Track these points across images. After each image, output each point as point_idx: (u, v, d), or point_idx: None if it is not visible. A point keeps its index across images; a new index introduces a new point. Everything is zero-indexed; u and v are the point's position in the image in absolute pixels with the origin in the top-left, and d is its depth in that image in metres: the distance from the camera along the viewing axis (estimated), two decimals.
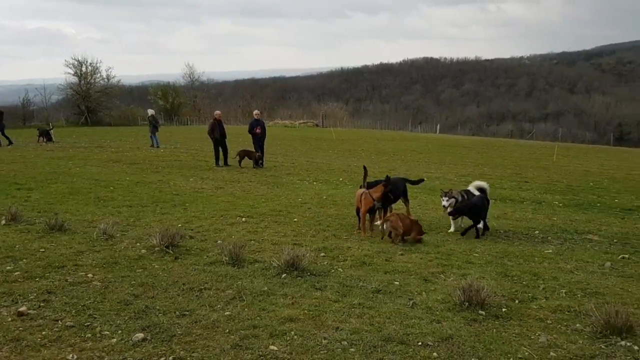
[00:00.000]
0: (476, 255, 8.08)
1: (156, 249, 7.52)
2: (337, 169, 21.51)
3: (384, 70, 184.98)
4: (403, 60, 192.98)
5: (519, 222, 11.14)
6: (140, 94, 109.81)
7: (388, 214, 9.36)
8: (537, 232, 10.15)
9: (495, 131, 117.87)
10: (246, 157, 20.66)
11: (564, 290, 6.40)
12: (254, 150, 20.77)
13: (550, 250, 8.58)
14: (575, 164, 29.86)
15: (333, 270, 6.91)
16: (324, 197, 13.87)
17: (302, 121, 68.20)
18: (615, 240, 9.59)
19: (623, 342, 4.77)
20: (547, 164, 28.80)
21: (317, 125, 61.32)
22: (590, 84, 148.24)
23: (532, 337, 4.87)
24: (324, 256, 7.66)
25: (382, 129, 78.63)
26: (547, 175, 22.64)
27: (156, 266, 6.86)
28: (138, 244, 7.96)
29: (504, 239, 9.47)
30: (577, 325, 5.21)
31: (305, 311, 5.36)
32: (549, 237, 9.71)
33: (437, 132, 70.44)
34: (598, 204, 14.69)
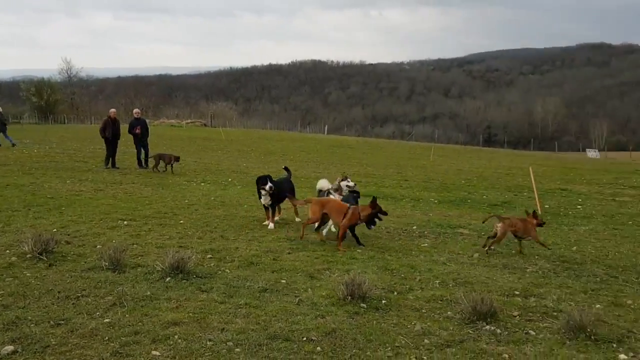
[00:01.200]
0: (359, 251, 8.41)
1: (28, 255, 7.00)
2: (226, 169, 21.29)
3: (273, 71, 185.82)
4: (292, 62, 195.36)
5: (399, 219, 11.74)
6: (11, 90, 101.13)
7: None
8: (414, 227, 10.78)
9: (379, 132, 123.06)
10: (162, 161, 19.18)
11: (437, 281, 6.87)
12: (170, 154, 19.48)
13: (426, 244, 9.15)
14: (450, 163, 32.05)
15: (220, 272, 6.85)
16: (212, 198, 13.68)
17: (189, 121, 66.46)
18: (483, 233, 10.39)
19: (488, 327, 5.22)
20: (424, 163, 30.63)
21: (205, 125, 60.13)
22: (462, 89, 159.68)
23: (409, 326, 5.18)
24: (210, 258, 7.57)
25: (272, 129, 78.97)
26: (425, 174, 24.07)
27: (28, 274, 6.38)
28: (8, 251, 7.36)
29: (386, 235, 9.95)
30: (449, 312, 5.62)
31: (190, 314, 5.28)
32: (426, 232, 10.35)
33: (325, 132, 71.96)
34: (469, 200, 15.91)
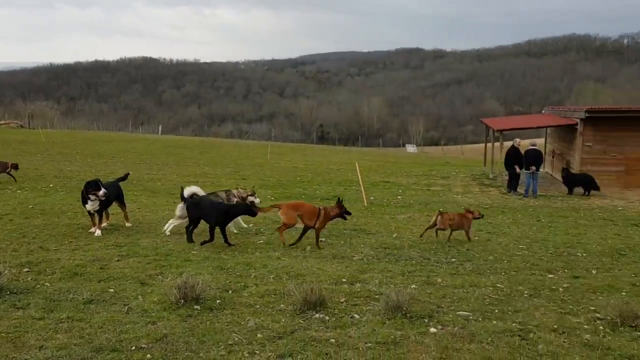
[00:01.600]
0: (194, 252, 8.29)
1: None
2: (47, 174, 19.42)
3: (100, 68, 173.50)
4: (121, 59, 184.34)
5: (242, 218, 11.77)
6: None
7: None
8: (251, 225, 10.90)
9: (216, 132, 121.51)
10: None
11: (272, 276, 7.05)
12: (4, 161, 17.02)
13: (262, 241, 9.34)
14: (286, 160, 32.89)
15: (39, 286, 6.30)
16: (30, 206, 12.43)
17: (2, 122, 59.27)
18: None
19: (317, 315, 5.50)
20: (262, 161, 31.01)
21: (22, 127, 54.13)
22: (296, 89, 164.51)
23: (242, 323, 5.26)
24: (28, 271, 6.92)
25: (100, 130, 73.80)
26: (262, 172, 24.40)
27: None
28: None
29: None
30: (282, 305, 5.81)
31: (3, 334, 4.79)
32: (262, 229, 10.54)
33: (160, 133, 69.24)
34: (303, 196, 16.49)
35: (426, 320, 5.48)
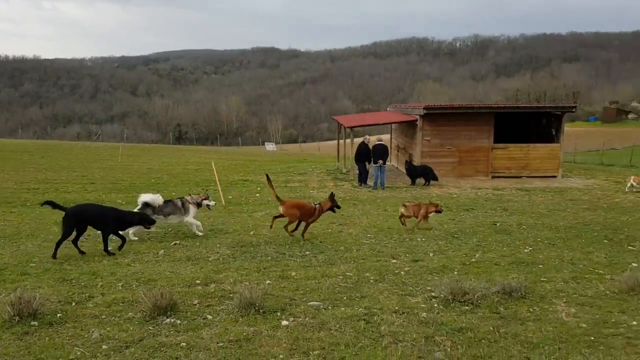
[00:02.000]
0: (33, 265, 7.65)
1: None
2: None
3: None
4: None
5: None
6: None
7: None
8: (99, 232, 10.27)
9: (62, 134, 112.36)
10: None
11: (120, 284, 6.74)
12: None
13: (110, 248, 8.83)
14: (140, 162, 31.42)
15: None
16: None
17: None
18: (170, 229, 10.64)
19: (168, 320, 5.38)
20: (112, 164, 29.33)
21: None
22: (150, 88, 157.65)
23: (86, 335, 4.98)
24: None
25: None
26: (113, 175, 23.08)
27: None
28: None
29: (69, 243, 9.23)
30: (130, 313, 5.59)
31: None
32: (111, 236, 9.98)
33: None
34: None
35: (279, 314, 5.63)
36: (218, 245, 9.21)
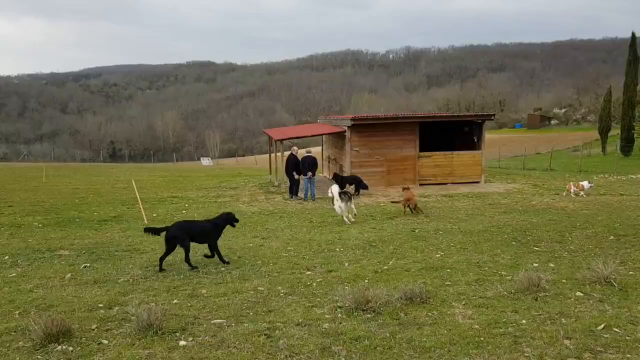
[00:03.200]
0: None
1: None
2: None
3: None
4: None
5: (4, 249, 10.51)
6: None
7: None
8: (6, 257, 9.82)
9: None
10: None
11: (18, 312, 6.45)
12: None
13: (15, 274, 8.47)
14: (66, 182, 30.22)
15: None
16: None
17: None
18: (83, 252, 10.28)
19: (60, 347, 5.19)
20: (37, 185, 28.08)
21: None
22: (81, 104, 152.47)
23: None
24: None
25: None
26: (35, 197, 22.10)
27: None
28: None
29: None
30: (20, 343, 5.35)
31: None
32: (19, 261, 9.56)
33: None
34: (77, 219, 15.33)
35: (178, 334, 5.54)
36: (130, 266, 8.98)
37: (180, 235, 8.73)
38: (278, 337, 5.41)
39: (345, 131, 23.23)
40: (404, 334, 5.44)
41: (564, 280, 7.31)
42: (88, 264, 9.09)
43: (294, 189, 20.47)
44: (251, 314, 6.25)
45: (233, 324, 5.87)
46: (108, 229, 13.44)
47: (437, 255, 9.26)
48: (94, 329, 5.76)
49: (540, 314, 5.93)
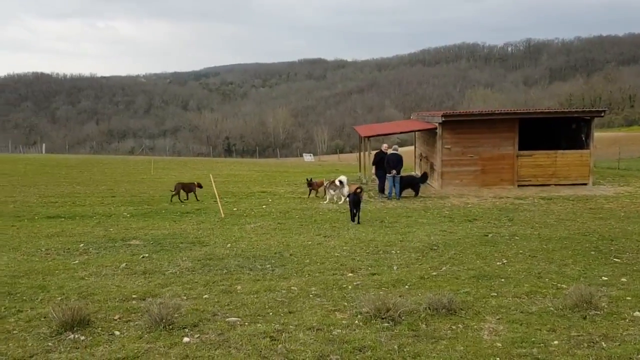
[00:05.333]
0: None
1: None
2: None
3: None
4: (8, 75, 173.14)
5: (69, 238, 11.33)
6: None
7: None
8: (82, 245, 10.52)
9: (117, 148, 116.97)
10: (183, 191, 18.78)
11: (60, 298, 6.82)
12: (192, 182, 19.56)
13: (77, 261, 9.01)
14: (171, 175, 32.12)
15: None
16: None
17: None
18: (151, 242, 10.74)
19: (73, 335, 5.38)
20: (145, 177, 30.12)
21: None
22: (200, 102, 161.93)
23: None
24: None
25: None
26: (138, 188, 23.66)
27: None
28: None
29: (40, 256, 9.47)
30: (43, 329, 5.62)
31: None
32: (90, 249, 10.19)
33: (43, 152, 65.46)
34: (164, 211, 16.13)
35: (187, 330, 5.52)
36: (185, 258, 9.21)
37: None
38: (282, 341, 5.21)
39: (436, 128, 22.35)
40: (414, 347, 5.00)
41: (628, 298, 6.37)
42: (147, 255, 9.45)
43: (381, 187, 20.09)
44: (270, 314, 6.10)
45: (246, 324, 5.76)
46: (186, 221, 13.97)
47: (498, 263, 8.52)
48: (116, 320, 5.92)
49: (580, 335, 5.19)
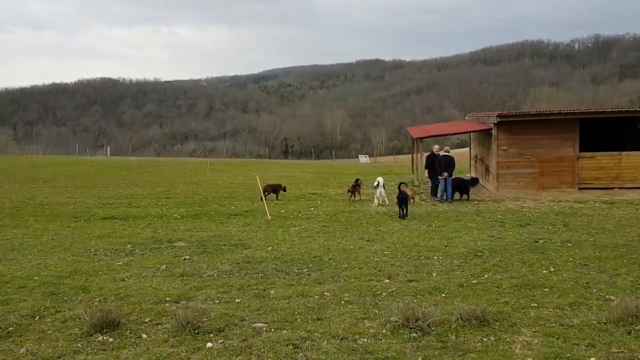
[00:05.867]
0: (36, 278, 8.17)
1: None
2: None
3: (57, 91, 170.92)
4: (79, 80, 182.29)
5: (119, 239, 11.68)
6: None
7: None
8: (129, 246, 10.83)
9: (179, 150, 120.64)
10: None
11: (98, 299, 7.00)
12: (279, 184, 20.97)
13: (121, 262, 9.26)
14: (226, 177, 32.75)
15: None
16: None
17: None
18: (196, 244, 10.92)
19: (102, 337, 5.49)
20: (200, 179, 30.84)
21: None
22: (259, 104, 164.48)
23: (15, 350, 5.21)
24: None
25: (58, 154, 72.32)
26: (192, 190, 24.24)
27: None
28: None
29: (87, 258, 9.80)
30: (76, 330, 5.76)
31: None
32: (136, 250, 10.46)
33: (108, 154, 68.35)
34: (213, 212, 16.39)
35: (212, 335, 5.52)
36: (224, 261, 9.28)
37: None
38: (304, 349, 5.11)
39: (491, 129, 21.65)
40: (439, 359, 4.78)
41: None
42: (188, 257, 9.59)
43: (433, 189, 19.65)
44: (299, 320, 6.02)
45: (273, 329, 5.70)
46: (232, 223, 14.13)
47: (544, 271, 8.08)
48: (146, 322, 6.00)
49: (620, 352, 4.80)
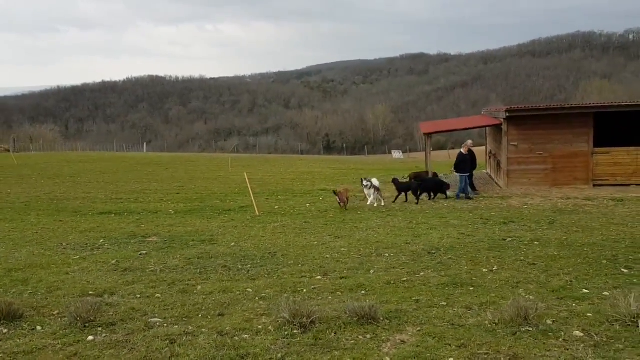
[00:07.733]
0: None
1: None
2: None
3: (107, 89, 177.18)
4: (127, 78, 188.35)
5: (100, 233, 12.04)
6: None
7: None
8: (101, 241, 11.14)
9: (223, 146, 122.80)
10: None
11: (29, 292, 7.27)
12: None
13: (78, 257, 9.54)
14: (248, 172, 33.06)
15: None
16: None
17: None
18: (166, 239, 11.16)
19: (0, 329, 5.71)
20: (220, 175, 31.27)
21: (7, 151, 55.32)
22: (301, 100, 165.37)
23: None
24: None
25: (106, 150, 74.99)
26: (207, 185, 24.66)
27: None
28: None
29: (42, 251, 10.15)
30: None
31: None
32: (106, 245, 10.76)
33: (144, 150, 70.30)
34: (209, 208, 16.62)
35: (100, 329, 5.65)
36: (177, 257, 9.44)
37: None
38: (179, 344, 5.18)
39: (502, 124, 21.05)
40: (299, 356, 4.79)
41: (589, 314, 5.59)
42: (146, 252, 9.82)
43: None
44: (199, 316, 6.10)
45: (166, 325, 5.80)
46: (220, 219, 14.32)
47: (483, 270, 7.85)
48: (54, 315, 6.20)
49: (485, 353, 4.69)
